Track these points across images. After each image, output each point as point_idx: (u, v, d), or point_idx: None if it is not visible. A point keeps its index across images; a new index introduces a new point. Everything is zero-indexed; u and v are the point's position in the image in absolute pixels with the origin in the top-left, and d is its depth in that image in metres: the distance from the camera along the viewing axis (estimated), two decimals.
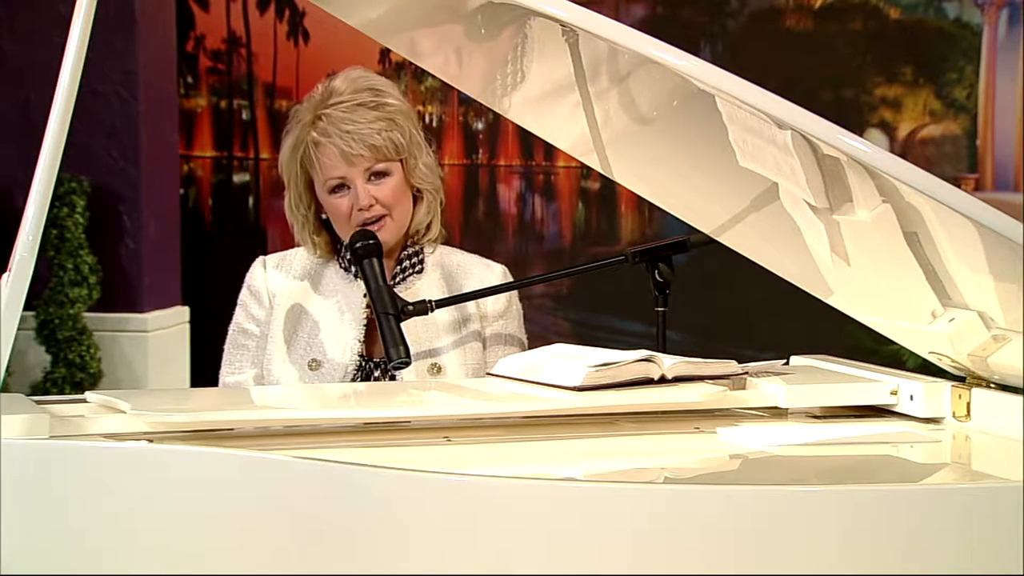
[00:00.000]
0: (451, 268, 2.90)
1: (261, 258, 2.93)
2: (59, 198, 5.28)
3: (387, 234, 2.81)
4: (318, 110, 2.83)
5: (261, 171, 6.21)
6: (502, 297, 2.89)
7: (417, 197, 2.87)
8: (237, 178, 6.26)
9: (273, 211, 6.17)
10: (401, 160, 2.82)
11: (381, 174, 2.81)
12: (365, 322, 2.83)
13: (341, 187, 2.81)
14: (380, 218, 2.81)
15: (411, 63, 2.72)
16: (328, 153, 2.80)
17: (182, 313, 5.80)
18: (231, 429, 2.26)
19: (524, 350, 2.87)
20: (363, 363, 2.82)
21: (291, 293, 2.87)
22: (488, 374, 2.64)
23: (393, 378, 2.79)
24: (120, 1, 5.46)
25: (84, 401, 2.34)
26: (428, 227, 2.89)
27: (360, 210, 2.79)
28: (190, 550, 2.00)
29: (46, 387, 5.35)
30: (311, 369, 2.80)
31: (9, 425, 2.04)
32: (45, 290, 5.37)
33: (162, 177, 5.72)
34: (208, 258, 6.10)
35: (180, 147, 6.05)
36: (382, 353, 2.80)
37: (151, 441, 2.12)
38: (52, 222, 5.28)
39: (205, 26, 6.22)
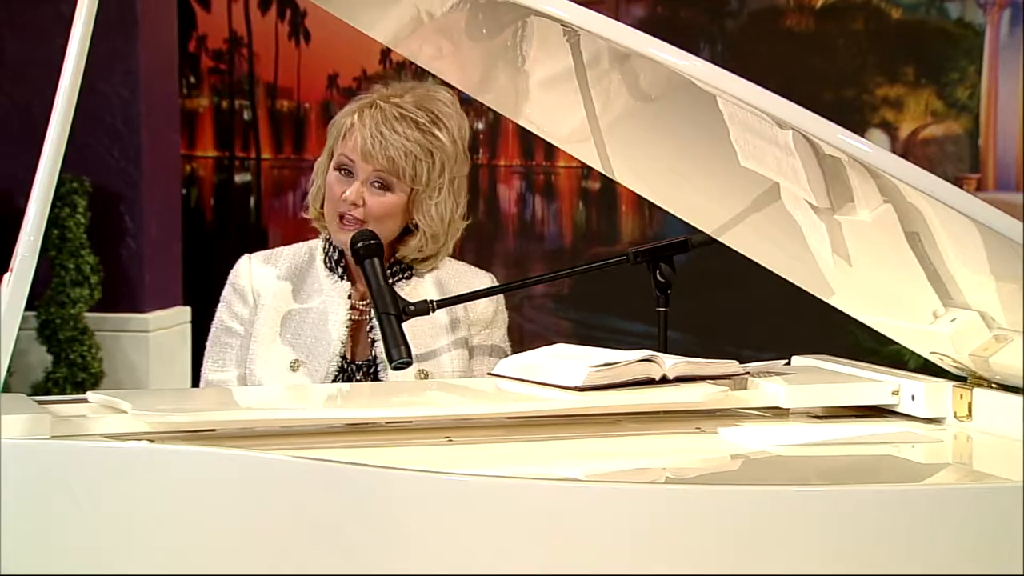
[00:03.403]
0: (441, 276, 2.88)
1: (247, 255, 2.90)
2: (60, 198, 5.29)
3: None
4: (379, 99, 2.80)
5: (263, 171, 6.20)
6: (491, 305, 2.88)
7: (412, 229, 2.84)
8: (239, 178, 6.26)
9: (274, 211, 6.17)
10: (412, 189, 2.81)
11: (384, 186, 2.80)
12: (349, 324, 2.82)
13: (347, 171, 2.80)
14: (359, 221, 2.79)
15: (412, 63, 2.71)
16: (354, 136, 2.79)
17: (183, 313, 5.80)
18: (232, 429, 2.26)
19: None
20: (345, 365, 2.81)
21: (275, 292, 2.85)
22: (489, 374, 2.63)
23: (376, 379, 2.79)
24: (122, 1, 5.46)
25: (85, 401, 2.33)
26: (420, 260, 2.86)
27: (345, 201, 2.78)
28: (191, 550, 2.00)
29: (47, 387, 5.35)
30: (292, 370, 2.79)
31: (10, 425, 2.03)
32: (46, 290, 5.38)
33: (163, 177, 5.73)
34: (209, 258, 6.09)
35: (182, 147, 6.05)
36: (364, 355, 2.81)
37: (152, 441, 2.12)
38: (53, 222, 5.28)
39: (207, 26, 6.22)
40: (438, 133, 2.78)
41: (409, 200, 2.80)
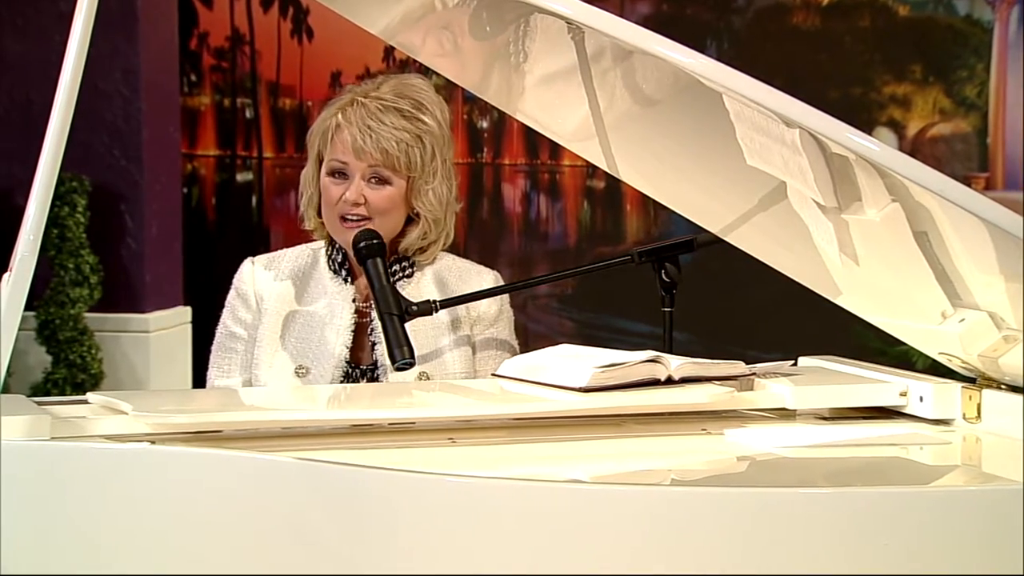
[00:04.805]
0: (443, 274, 2.87)
1: (250, 259, 2.91)
2: (60, 197, 5.28)
3: None
4: (357, 96, 2.81)
5: (264, 170, 6.19)
6: (494, 302, 2.87)
7: (413, 219, 2.85)
8: (240, 177, 6.25)
9: (276, 210, 6.16)
10: (409, 178, 2.81)
11: (382, 180, 2.79)
12: (353, 328, 2.81)
13: (341, 174, 2.80)
14: (362, 219, 2.78)
15: (415, 61, 2.72)
16: (342, 138, 2.79)
17: (184, 313, 5.80)
18: (233, 431, 2.25)
19: (515, 356, 2.84)
20: (349, 370, 2.80)
21: (280, 296, 2.85)
22: (493, 375, 2.63)
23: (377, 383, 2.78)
24: None
25: (85, 402, 2.33)
26: (423, 250, 2.86)
27: (346, 203, 2.78)
28: (191, 551, 2.00)
29: (47, 388, 5.34)
30: (298, 376, 2.78)
31: (10, 426, 2.03)
32: (46, 290, 5.37)
33: (164, 176, 5.72)
34: (211, 258, 6.09)
35: (183, 146, 6.05)
36: (368, 360, 2.81)
37: (153, 443, 2.12)
38: (53, 221, 5.27)
39: (208, 23, 6.22)
40: (424, 118, 2.79)
41: (407, 190, 2.80)
